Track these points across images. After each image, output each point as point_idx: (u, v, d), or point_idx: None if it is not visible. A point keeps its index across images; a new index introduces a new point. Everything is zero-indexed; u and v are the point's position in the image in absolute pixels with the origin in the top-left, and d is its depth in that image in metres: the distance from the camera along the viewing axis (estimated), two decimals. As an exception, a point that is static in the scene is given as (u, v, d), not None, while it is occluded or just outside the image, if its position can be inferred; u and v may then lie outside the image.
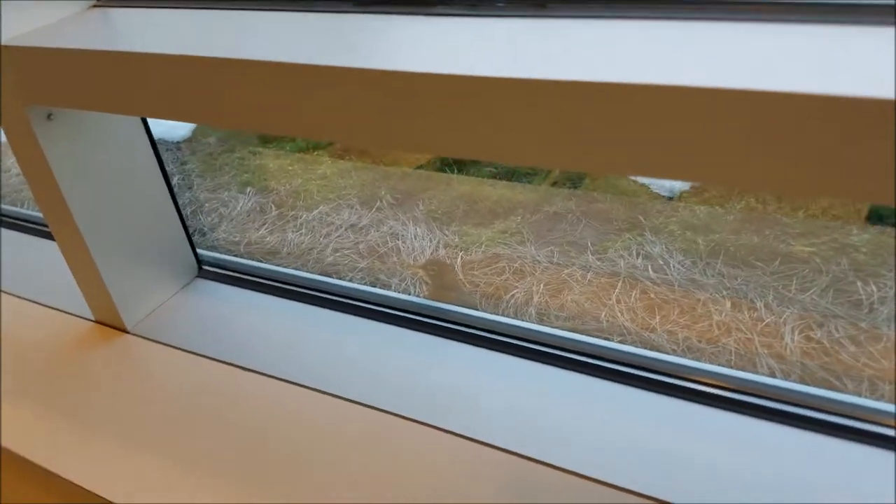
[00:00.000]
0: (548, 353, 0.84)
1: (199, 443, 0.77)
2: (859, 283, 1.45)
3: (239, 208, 2.15)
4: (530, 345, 0.86)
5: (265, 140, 2.64)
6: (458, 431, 0.74)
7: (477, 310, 1.03)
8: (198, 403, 0.83)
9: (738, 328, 1.37)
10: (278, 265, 1.12)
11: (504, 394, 0.79)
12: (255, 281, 1.05)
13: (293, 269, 1.17)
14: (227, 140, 2.60)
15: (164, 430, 0.80)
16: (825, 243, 1.59)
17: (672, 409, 0.74)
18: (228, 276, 1.07)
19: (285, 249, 1.86)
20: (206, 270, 1.08)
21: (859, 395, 1.14)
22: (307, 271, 1.06)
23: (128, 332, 0.97)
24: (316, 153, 2.51)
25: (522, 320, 0.89)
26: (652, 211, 1.83)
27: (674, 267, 1.60)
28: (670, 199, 1.87)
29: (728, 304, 1.44)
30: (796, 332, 1.33)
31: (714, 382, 0.75)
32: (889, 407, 0.68)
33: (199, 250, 1.07)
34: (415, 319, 0.93)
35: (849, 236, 1.59)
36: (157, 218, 0.98)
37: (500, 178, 2.20)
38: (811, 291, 1.45)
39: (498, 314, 1.03)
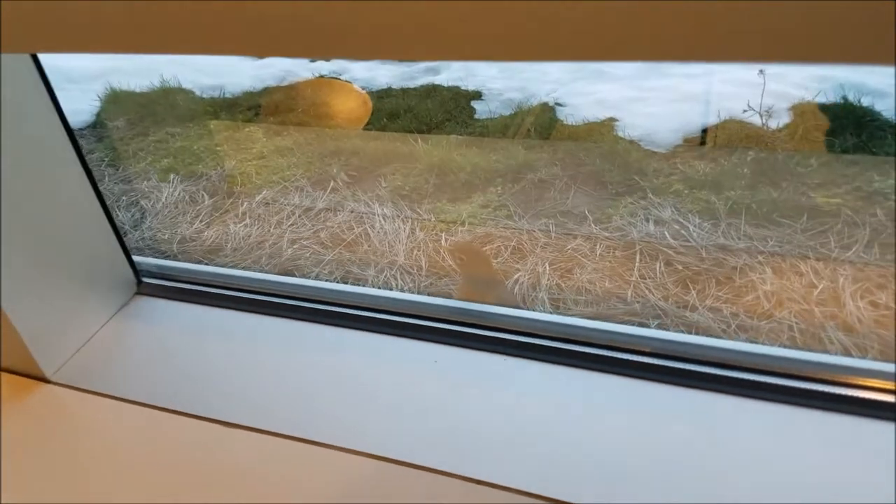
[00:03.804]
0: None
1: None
2: (907, 235, 1.31)
3: (164, 199, 1.82)
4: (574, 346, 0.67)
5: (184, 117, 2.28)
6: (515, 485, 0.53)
7: (492, 305, 0.81)
8: (145, 475, 0.61)
9: (790, 298, 1.21)
10: (227, 266, 0.86)
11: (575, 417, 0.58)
12: (209, 293, 0.80)
13: (255, 271, 0.91)
14: (140, 122, 2.23)
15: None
16: (849, 193, 1.45)
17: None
18: (176, 288, 0.81)
19: (230, 245, 1.56)
20: (148, 284, 0.81)
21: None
22: (267, 271, 0.82)
23: (48, 381, 0.71)
24: (247, 129, 2.18)
25: (553, 313, 0.68)
26: (648, 170, 1.64)
27: (693, 231, 1.42)
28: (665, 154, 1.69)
29: (769, 271, 1.27)
30: (858, 298, 1.18)
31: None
32: None
33: (136, 258, 0.80)
34: (413, 325, 0.74)
35: (871, 183, 1.46)
36: (78, 223, 0.72)
37: (467, 135, 1.96)
38: (854, 249, 1.30)
39: (518, 308, 0.82)
